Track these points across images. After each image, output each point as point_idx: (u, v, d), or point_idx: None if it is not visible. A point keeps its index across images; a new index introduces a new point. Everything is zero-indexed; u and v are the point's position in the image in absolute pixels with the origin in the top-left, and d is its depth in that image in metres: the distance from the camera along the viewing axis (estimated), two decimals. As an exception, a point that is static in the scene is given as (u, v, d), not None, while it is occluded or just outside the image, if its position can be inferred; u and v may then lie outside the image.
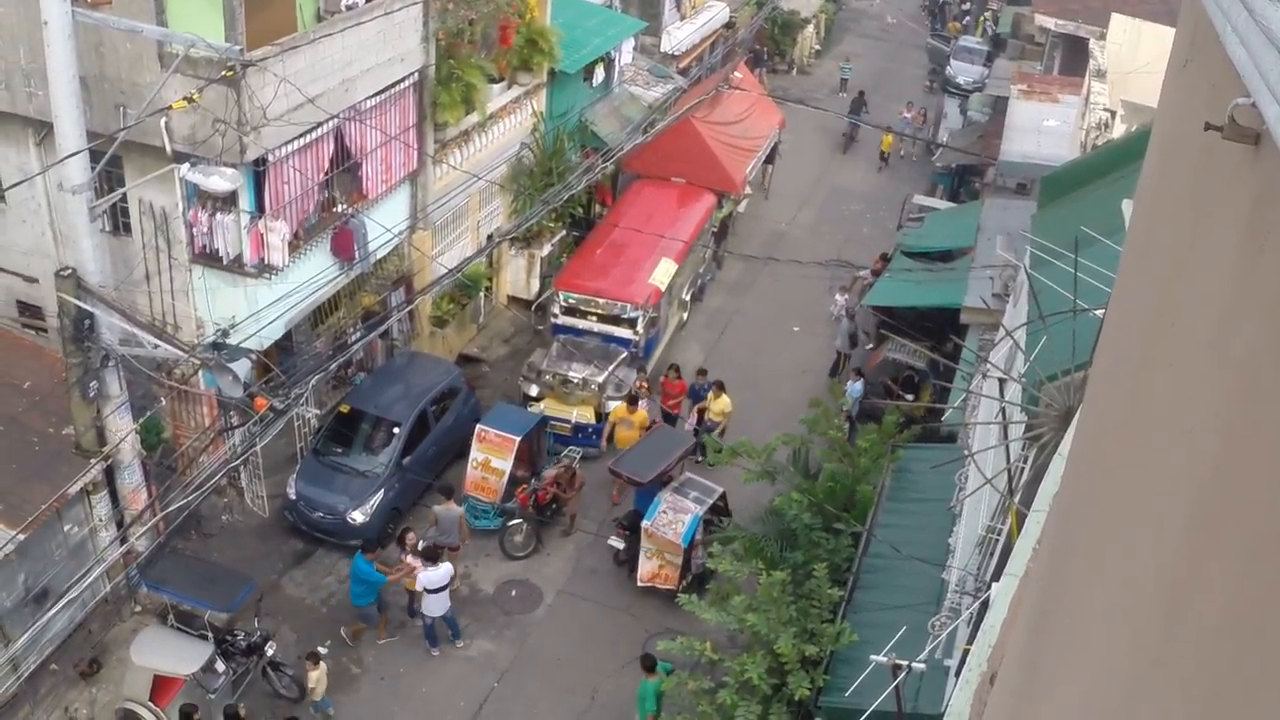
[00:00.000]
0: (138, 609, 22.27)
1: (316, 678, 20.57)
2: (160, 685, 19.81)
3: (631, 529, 24.13)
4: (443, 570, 21.51)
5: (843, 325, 31.90)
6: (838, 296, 32.89)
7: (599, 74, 35.15)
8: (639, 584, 23.75)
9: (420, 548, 22.18)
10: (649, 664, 19.73)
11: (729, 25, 47.74)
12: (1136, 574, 3.61)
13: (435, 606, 21.64)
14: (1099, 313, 12.78)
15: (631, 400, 26.43)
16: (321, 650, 21.67)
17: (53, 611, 18.12)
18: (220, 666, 20.09)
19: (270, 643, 20.75)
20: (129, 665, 20.07)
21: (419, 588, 21.59)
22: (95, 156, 18.79)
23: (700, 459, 25.62)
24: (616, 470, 24.69)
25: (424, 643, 22.38)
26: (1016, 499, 14.09)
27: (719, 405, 27.45)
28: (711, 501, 23.77)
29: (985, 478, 15.41)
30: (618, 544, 24.51)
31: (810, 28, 56.39)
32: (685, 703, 18.13)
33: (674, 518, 23.08)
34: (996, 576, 13.37)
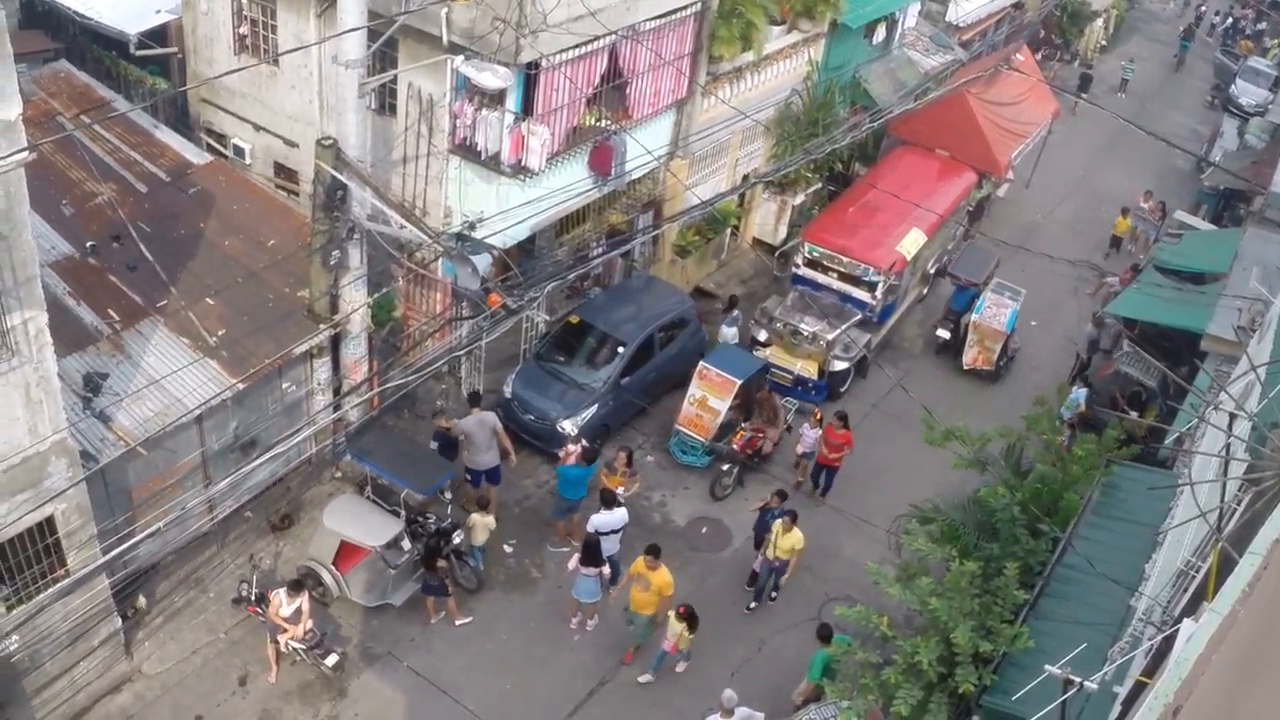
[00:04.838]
0: (338, 475, 22.00)
1: (475, 521, 20.40)
2: (345, 551, 19.48)
3: (955, 324, 29.22)
4: (617, 514, 20.52)
5: (1085, 330, 29.91)
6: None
7: (880, 33, 33.48)
8: (964, 368, 28.88)
9: (601, 491, 21.04)
10: (825, 634, 18.57)
11: (1017, 5, 45.11)
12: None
13: (605, 547, 20.46)
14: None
15: (652, 553, 19.26)
16: (514, 545, 21.34)
17: (257, 462, 17.65)
18: (406, 545, 19.67)
19: (459, 531, 20.17)
20: (319, 527, 19.82)
21: (590, 527, 20.46)
22: (372, 36, 18.48)
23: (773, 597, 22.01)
24: (955, 273, 30.18)
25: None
26: (1224, 536, 12.60)
27: (787, 541, 20.81)
28: (1022, 300, 28.86)
29: (1199, 510, 13.85)
30: (944, 334, 29.42)
31: (1099, 21, 53.14)
32: (850, 671, 16.94)
33: (997, 311, 28.47)
34: (1188, 612, 12.52)
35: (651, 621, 19.64)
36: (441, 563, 19.43)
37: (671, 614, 19.22)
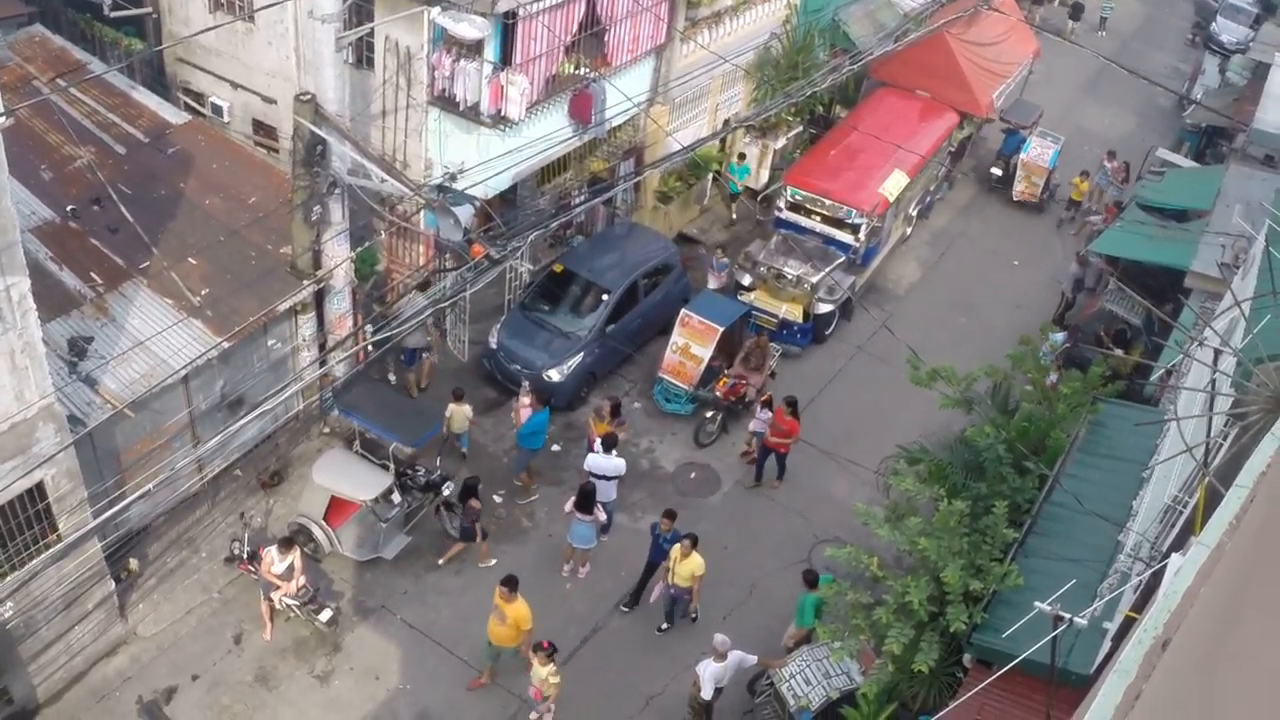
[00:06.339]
0: (326, 430, 21.97)
1: (452, 410, 21.32)
2: (335, 506, 19.50)
3: (1005, 163, 34.68)
4: (614, 461, 20.52)
5: (1070, 269, 29.80)
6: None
7: (861, -26, 33.06)
8: (1013, 199, 34.51)
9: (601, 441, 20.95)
10: (811, 579, 18.58)
11: (998, -55, 44.81)
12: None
13: (601, 493, 20.40)
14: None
15: (508, 584, 17.44)
16: (503, 495, 21.24)
17: (245, 420, 17.61)
18: (396, 498, 19.69)
19: (448, 483, 20.21)
20: (309, 483, 19.82)
21: (586, 468, 20.69)
22: (349, -12, 18.27)
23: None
24: (1006, 118, 35.05)
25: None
26: (1210, 471, 12.66)
27: (685, 568, 18.98)
28: (1062, 144, 34.36)
29: (1185, 446, 13.87)
30: (997, 172, 34.94)
31: (1079, -41, 52.73)
32: (841, 613, 16.97)
33: (1042, 150, 34.11)
34: (1176, 546, 12.60)
35: (516, 654, 18.06)
36: (474, 501, 19.57)
37: (534, 658, 16.90)
